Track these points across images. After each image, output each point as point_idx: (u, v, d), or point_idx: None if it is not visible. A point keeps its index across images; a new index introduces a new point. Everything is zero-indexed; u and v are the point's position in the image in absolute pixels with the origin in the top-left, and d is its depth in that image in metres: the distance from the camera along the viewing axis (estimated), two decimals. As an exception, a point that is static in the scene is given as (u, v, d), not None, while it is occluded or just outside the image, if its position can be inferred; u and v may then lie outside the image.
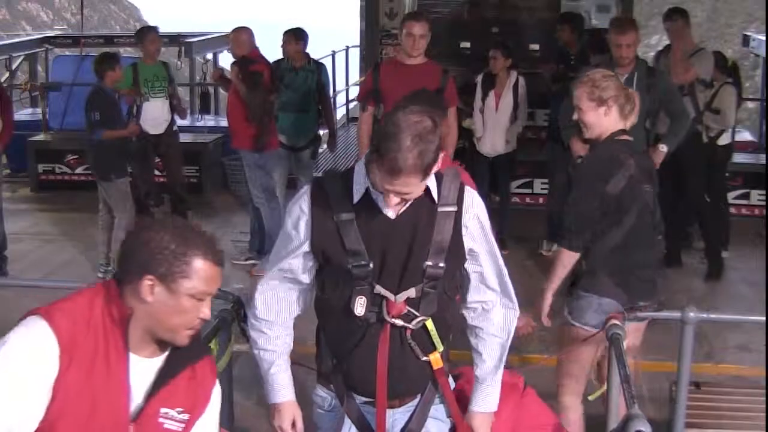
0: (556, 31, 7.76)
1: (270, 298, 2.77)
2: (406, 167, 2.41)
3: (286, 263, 2.73)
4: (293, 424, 2.83)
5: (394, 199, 2.52)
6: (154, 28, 8.10)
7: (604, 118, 3.74)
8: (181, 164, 8.22)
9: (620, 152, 3.72)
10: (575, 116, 3.86)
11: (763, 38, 11.58)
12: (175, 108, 7.86)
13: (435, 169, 2.52)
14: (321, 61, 8.29)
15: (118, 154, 6.94)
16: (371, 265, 2.60)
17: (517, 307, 2.84)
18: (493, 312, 2.80)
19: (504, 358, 2.84)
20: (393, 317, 2.63)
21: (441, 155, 2.52)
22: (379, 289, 2.62)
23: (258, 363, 2.83)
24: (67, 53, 12.24)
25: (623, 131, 3.78)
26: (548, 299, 3.83)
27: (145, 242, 2.13)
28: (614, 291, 3.75)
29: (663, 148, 5.79)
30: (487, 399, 2.85)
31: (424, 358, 2.71)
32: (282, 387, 2.81)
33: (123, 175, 6.96)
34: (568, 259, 3.78)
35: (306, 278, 2.75)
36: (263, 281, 2.80)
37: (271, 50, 7.94)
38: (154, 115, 7.57)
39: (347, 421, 2.79)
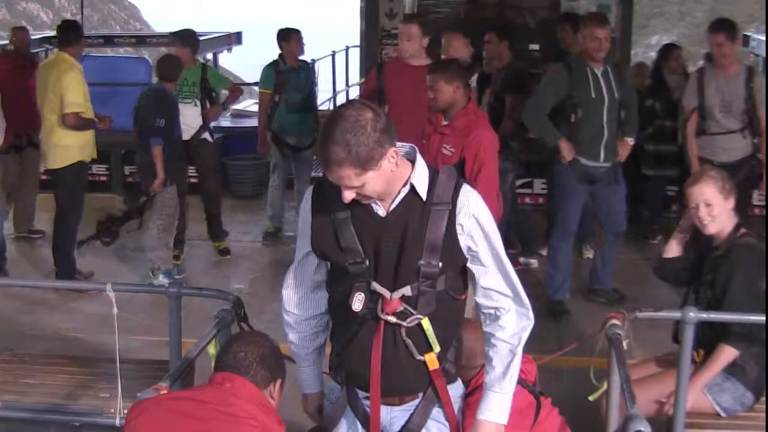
0: (556, 32, 7.75)
1: (290, 293, 2.91)
2: (333, 159, 2.45)
3: (299, 261, 2.86)
4: (320, 411, 3.03)
5: (348, 194, 2.53)
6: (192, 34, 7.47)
7: (730, 210, 3.85)
8: (216, 175, 7.62)
9: (761, 245, 3.82)
10: (701, 213, 3.85)
11: (763, 38, 11.59)
12: (205, 112, 7.35)
13: (382, 163, 2.48)
14: (318, 60, 8.31)
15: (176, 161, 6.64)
16: (367, 263, 2.64)
17: (531, 314, 2.78)
18: (505, 318, 2.75)
19: (516, 366, 2.76)
20: (387, 314, 2.65)
21: (390, 150, 2.48)
22: (375, 286, 2.65)
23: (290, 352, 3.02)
24: (67, 53, 12.18)
25: (740, 223, 3.89)
26: (697, 392, 3.78)
27: None
28: (761, 386, 3.82)
29: (630, 141, 6.22)
30: (493, 407, 2.76)
31: (419, 357, 2.71)
32: (308, 380, 3.02)
33: (173, 182, 6.60)
34: (730, 357, 3.77)
35: (317, 277, 2.85)
36: (287, 275, 2.93)
37: (270, 50, 7.95)
38: (181, 121, 7.01)
39: (349, 413, 2.87)
